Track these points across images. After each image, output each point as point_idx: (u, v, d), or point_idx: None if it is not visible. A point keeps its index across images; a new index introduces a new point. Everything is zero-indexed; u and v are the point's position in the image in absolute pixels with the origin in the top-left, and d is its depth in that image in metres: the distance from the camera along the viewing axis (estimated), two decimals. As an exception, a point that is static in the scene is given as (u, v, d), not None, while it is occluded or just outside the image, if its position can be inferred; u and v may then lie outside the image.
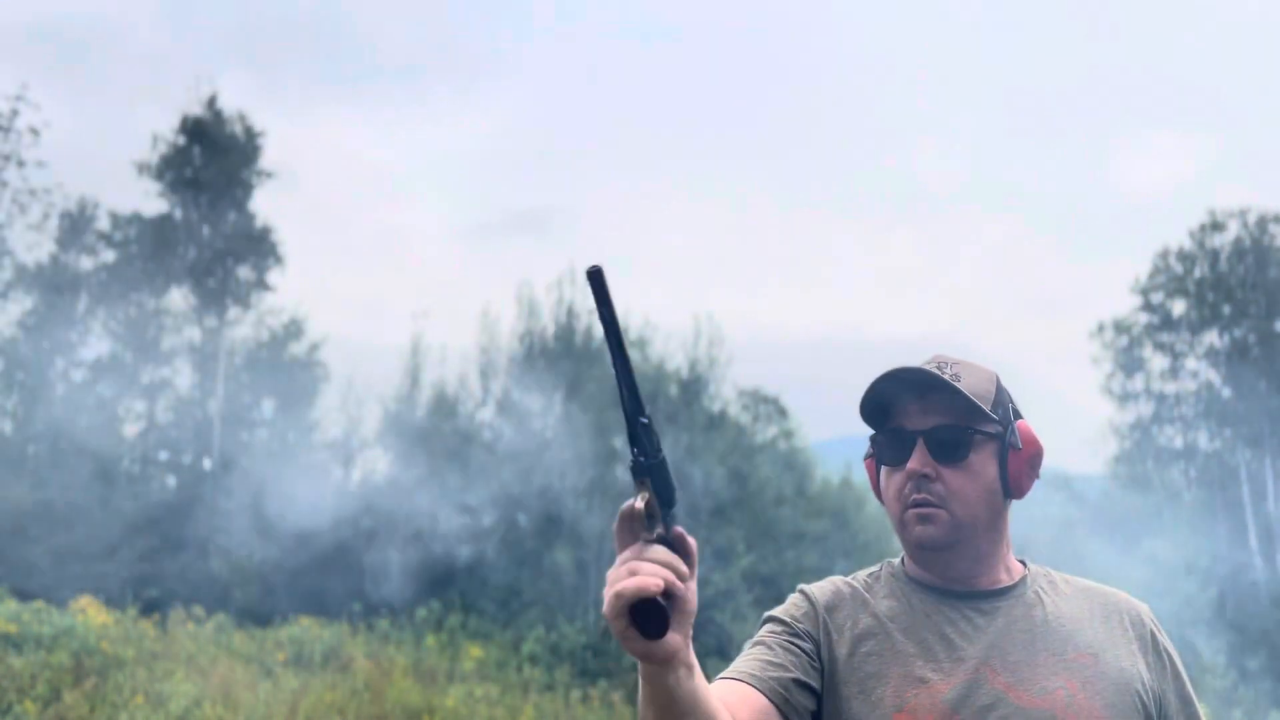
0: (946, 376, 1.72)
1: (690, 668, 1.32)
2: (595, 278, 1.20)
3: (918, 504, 1.71)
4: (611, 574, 1.23)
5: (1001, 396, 1.77)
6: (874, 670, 1.69)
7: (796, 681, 1.67)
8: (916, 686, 1.66)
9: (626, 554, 1.24)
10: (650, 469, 1.25)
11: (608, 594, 1.21)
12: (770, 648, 1.71)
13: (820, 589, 1.80)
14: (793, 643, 1.72)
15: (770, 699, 1.63)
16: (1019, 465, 1.73)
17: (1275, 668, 25.79)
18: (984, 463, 1.71)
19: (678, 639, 1.26)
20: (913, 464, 1.71)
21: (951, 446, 1.70)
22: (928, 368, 1.74)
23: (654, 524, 1.25)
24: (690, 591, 1.26)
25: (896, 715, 1.64)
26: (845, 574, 1.89)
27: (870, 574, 1.84)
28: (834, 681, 1.70)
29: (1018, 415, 1.78)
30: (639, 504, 1.24)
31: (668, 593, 1.23)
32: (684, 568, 1.24)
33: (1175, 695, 1.77)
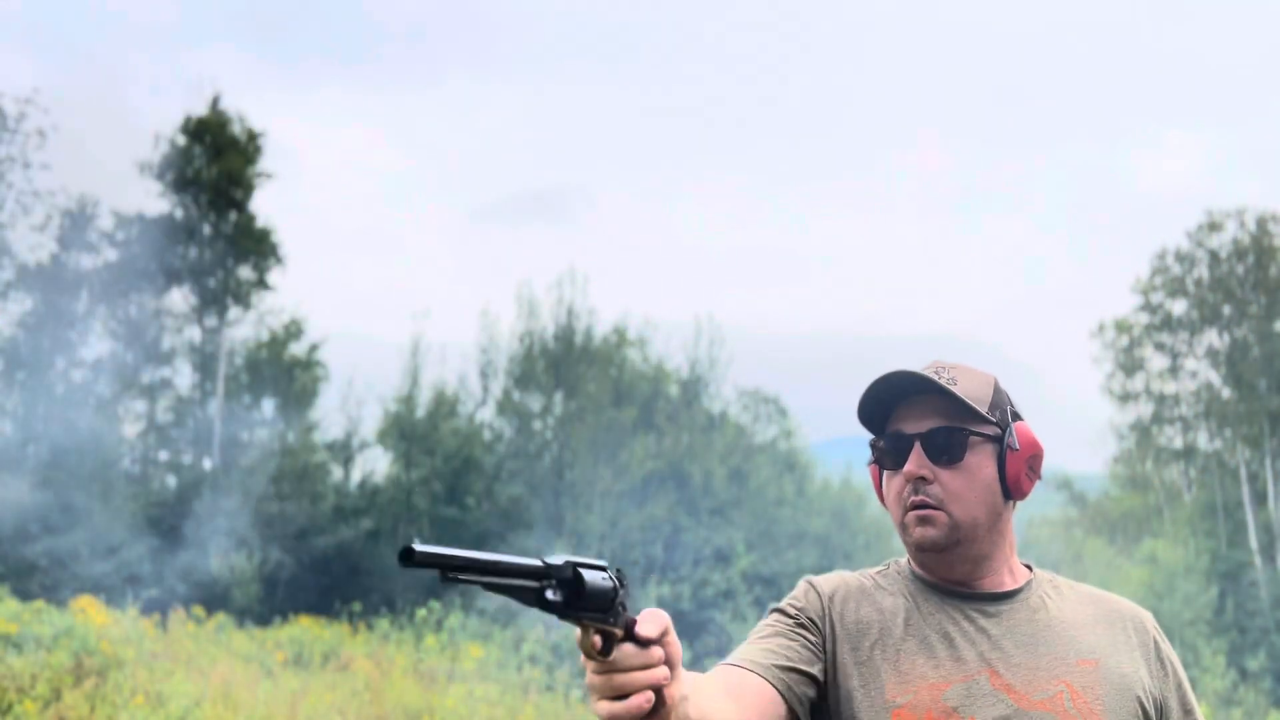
0: (943, 380, 1.74)
1: (686, 696, 1.35)
2: (418, 559, 1.11)
3: (917, 506, 1.74)
4: (592, 685, 1.25)
5: (999, 399, 1.78)
6: (875, 665, 1.71)
7: (797, 671, 1.69)
8: (917, 684, 1.68)
9: (598, 665, 1.25)
10: (570, 604, 1.20)
11: (601, 712, 1.23)
12: (772, 638, 1.73)
13: (826, 580, 1.82)
14: (796, 632, 1.74)
15: (775, 686, 1.66)
16: (1017, 466, 1.74)
17: (1275, 668, 25.78)
18: (981, 464, 1.73)
19: (671, 694, 1.29)
20: (910, 467, 1.73)
21: (947, 448, 1.73)
22: (923, 372, 1.76)
23: (612, 635, 1.25)
24: (673, 652, 1.28)
25: (896, 712, 1.66)
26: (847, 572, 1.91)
27: (878, 571, 1.86)
28: (836, 673, 1.72)
29: (1017, 417, 1.79)
30: (594, 640, 1.23)
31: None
32: (657, 656, 1.25)
33: (1178, 703, 1.79)
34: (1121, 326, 34.85)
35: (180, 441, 29.90)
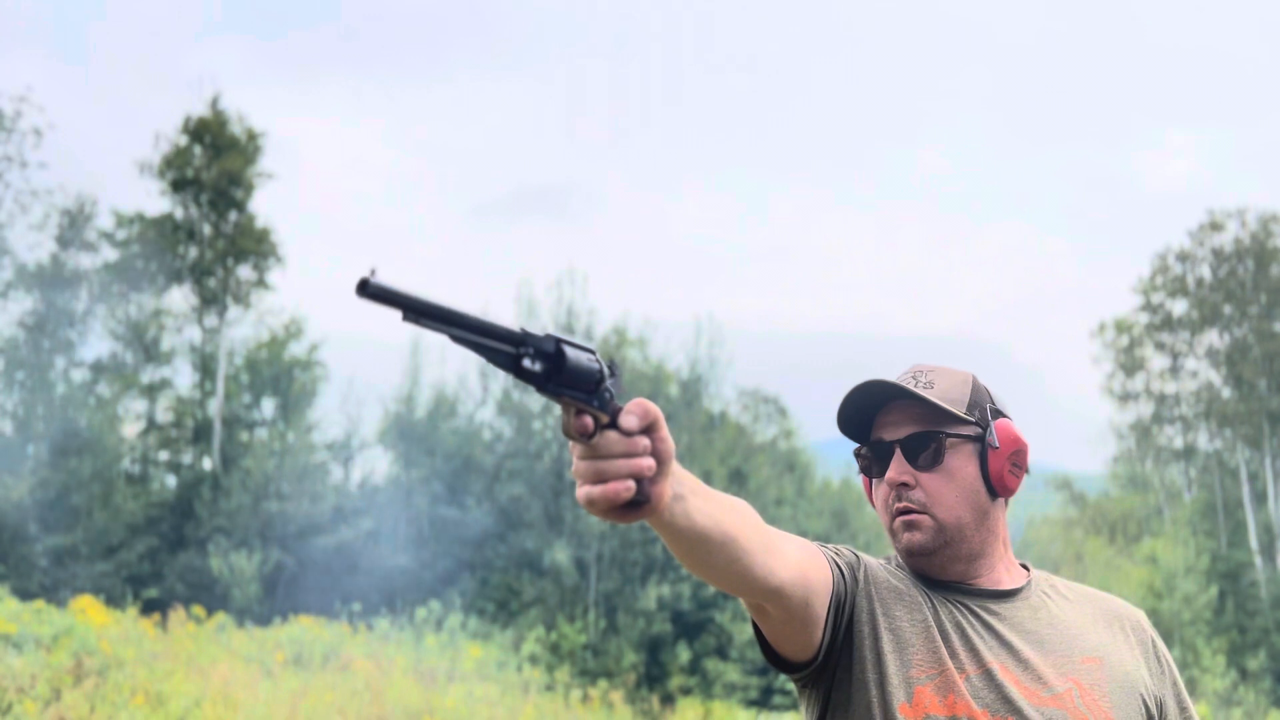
0: (919, 385, 1.76)
1: (682, 497, 1.33)
2: (372, 290, 1.05)
3: (902, 512, 1.76)
4: (577, 471, 1.21)
5: (978, 397, 1.79)
6: (906, 635, 1.71)
7: (841, 572, 1.72)
8: (939, 666, 1.69)
9: (583, 450, 1.20)
10: (550, 377, 1.15)
11: (580, 496, 1.19)
12: (832, 558, 1.75)
13: (868, 558, 1.83)
14: (836, 562, 1.74)
15: (831, 575, 1.68)
16: (999, 463, 1.76)
17: (1275, 668, 25.78)
18: (962, 465, 1.75)
19: (659, 491, 1.25)
20: (891, 474, 1.76)
21: (926, 452, 1.75)
22: (897, 380, 1.78)
23: (598, 420, 1.19)
24: (663, 448, 1.22)
25: (919, 689, 1.67)
26: None
27: (882, 563, 1.85)
28: (850, 654, 1.71)
29: (998, 414, 1.80)
30: (579, 421, 1.18)
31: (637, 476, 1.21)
32: (641, 445, 1.20)
33: (1174, 699, 1.83)
34: (1122, 326, 34.87)
35: (180, 441, 29.88)
